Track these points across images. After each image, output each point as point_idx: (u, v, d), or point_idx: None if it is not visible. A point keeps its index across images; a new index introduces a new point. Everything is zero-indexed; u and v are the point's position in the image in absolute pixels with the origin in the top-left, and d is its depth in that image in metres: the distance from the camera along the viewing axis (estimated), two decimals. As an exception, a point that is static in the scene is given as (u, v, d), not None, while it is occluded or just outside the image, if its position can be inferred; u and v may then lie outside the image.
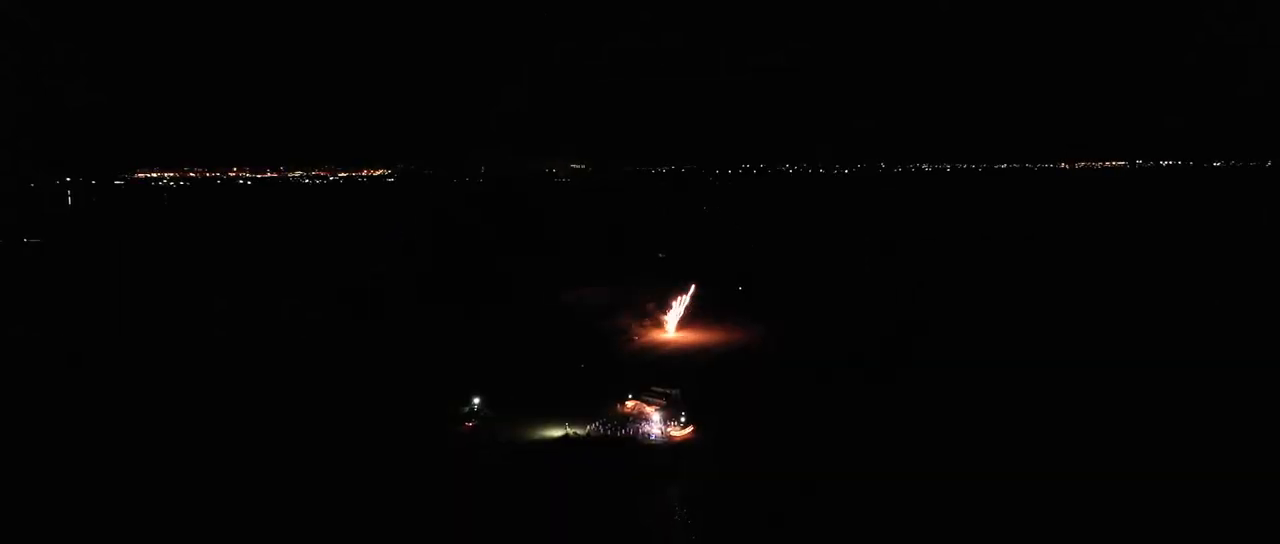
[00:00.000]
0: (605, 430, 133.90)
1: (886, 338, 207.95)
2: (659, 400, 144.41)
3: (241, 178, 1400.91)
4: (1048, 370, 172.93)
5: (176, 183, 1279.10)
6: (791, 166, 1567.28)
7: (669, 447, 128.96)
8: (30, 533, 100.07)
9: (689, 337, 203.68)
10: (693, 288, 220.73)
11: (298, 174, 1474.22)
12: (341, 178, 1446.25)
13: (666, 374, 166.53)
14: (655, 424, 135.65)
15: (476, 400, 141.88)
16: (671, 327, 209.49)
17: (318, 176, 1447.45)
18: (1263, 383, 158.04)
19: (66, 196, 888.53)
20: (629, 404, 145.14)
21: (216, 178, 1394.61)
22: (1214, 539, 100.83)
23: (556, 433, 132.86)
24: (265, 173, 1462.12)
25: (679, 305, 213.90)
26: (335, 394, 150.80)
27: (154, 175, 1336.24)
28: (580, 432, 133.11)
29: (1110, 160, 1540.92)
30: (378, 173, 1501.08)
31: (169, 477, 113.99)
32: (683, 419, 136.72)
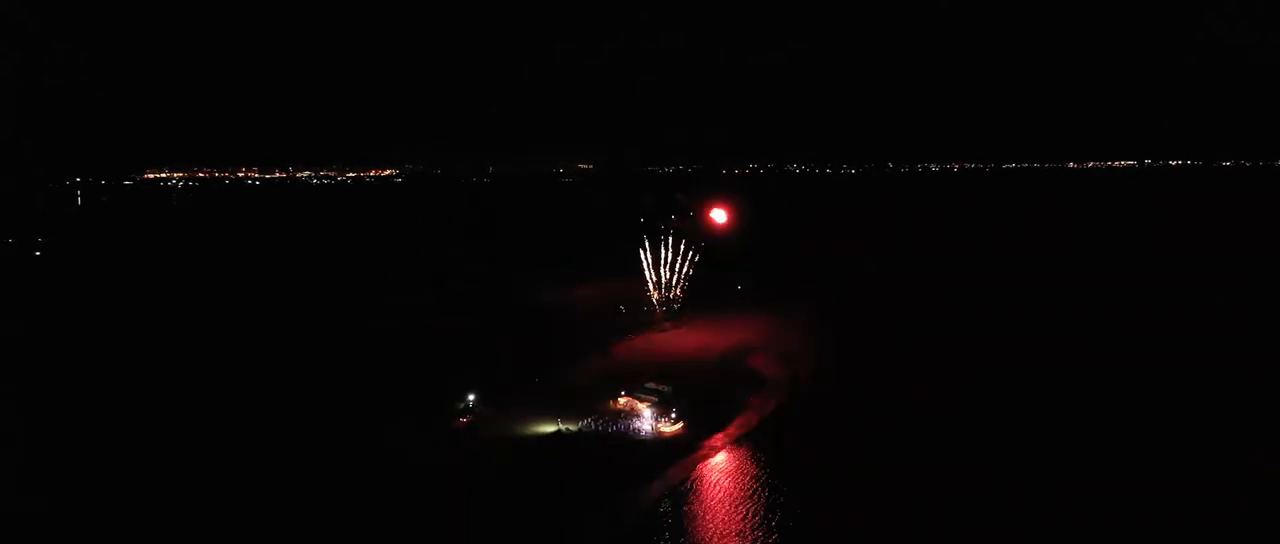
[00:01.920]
0: (597, 427, 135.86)
1: (885, 336, 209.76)
2: (651, 397, 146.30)
3: (250, 178, 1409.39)
4: (1047, 369, 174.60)
5: (185, 183, 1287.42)
6: (797, 166, 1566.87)
7: (659, 442, 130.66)
8: (33, 531, 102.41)
9: (685, 334, 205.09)
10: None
11: (306, 174, 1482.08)
12: (349, 178, 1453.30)
13: (660, 371, 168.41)
14: (646, 420, 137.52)
15: (471, 397, 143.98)
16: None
17: (325, 177, 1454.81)
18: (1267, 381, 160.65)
19: (76, 197, 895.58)
20: (621, 401, 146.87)
21: (225, 178, 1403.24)
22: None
23: (549, 429, 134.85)
24: (274, 173, 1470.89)
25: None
26: (335, 390, 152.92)
27: (163, 176, 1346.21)
28: (572, 428, 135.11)
29: (1118, 160, 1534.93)
30: (386, 173, 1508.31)
31: (172, 468, 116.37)
32: (674, 416, 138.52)
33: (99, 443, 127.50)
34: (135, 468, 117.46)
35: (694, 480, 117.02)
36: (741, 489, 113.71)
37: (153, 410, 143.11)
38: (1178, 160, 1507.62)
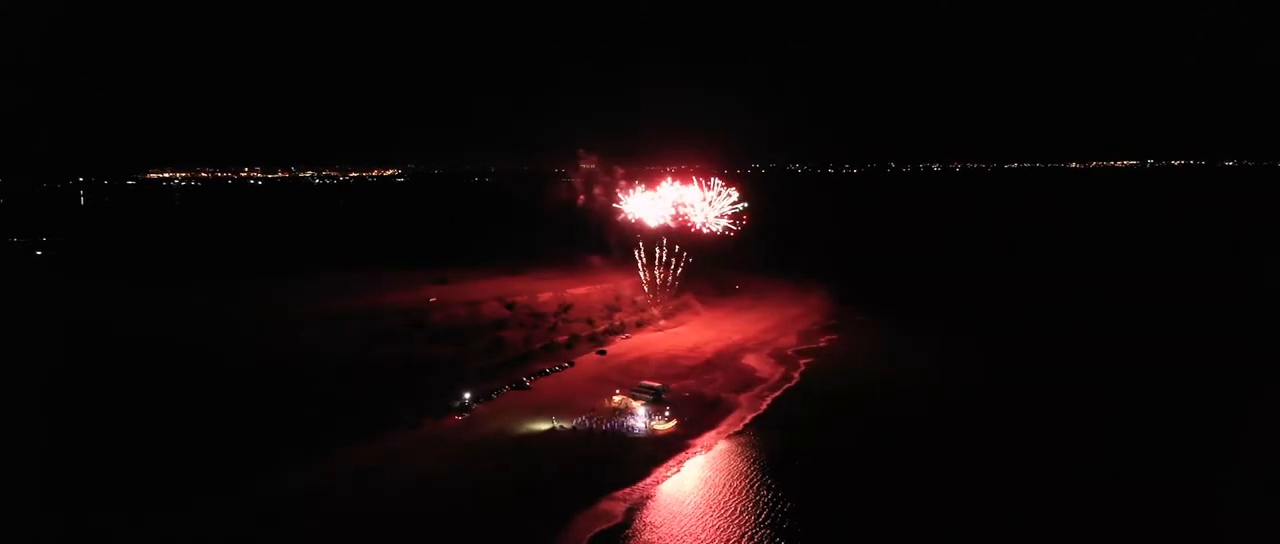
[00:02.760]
0: (591, 424, 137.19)
1: (882, 335, 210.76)
2: (645, 395, 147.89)
3: (252, 178, 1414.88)
4: (1049, 370, 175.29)
5: (188, 183, 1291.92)
6: (798, 166, 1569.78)
7: (652, 440, 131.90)
8: (35, 527, 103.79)
9: (680, 333, 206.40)
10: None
11: (308, 174, 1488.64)
12: (352, 177, 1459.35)
13: (655, 369, 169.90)
14: (640, 418, 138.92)
15: (467, 395, 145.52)
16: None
17: (328, 176, 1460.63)
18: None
19: (79, 197, 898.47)
20: (616, 399, 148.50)
21: (228, 178, 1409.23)
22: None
23: (544, 426, 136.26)
24: (276, 173, 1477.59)
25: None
26: (333, 388, 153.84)
27: (166, 176, 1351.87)
28: (567, 424, 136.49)
29: (1120, 160, 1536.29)
30: (388, 173, 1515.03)
31: (171, 466, 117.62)
32: (667, 413, 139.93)
33: (97, 441, 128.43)
34: (134, 466, 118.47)
35: (685, 477, 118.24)
36: (731, 486, 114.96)
37: (153, 409, 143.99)
38: (1181, 160, 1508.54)
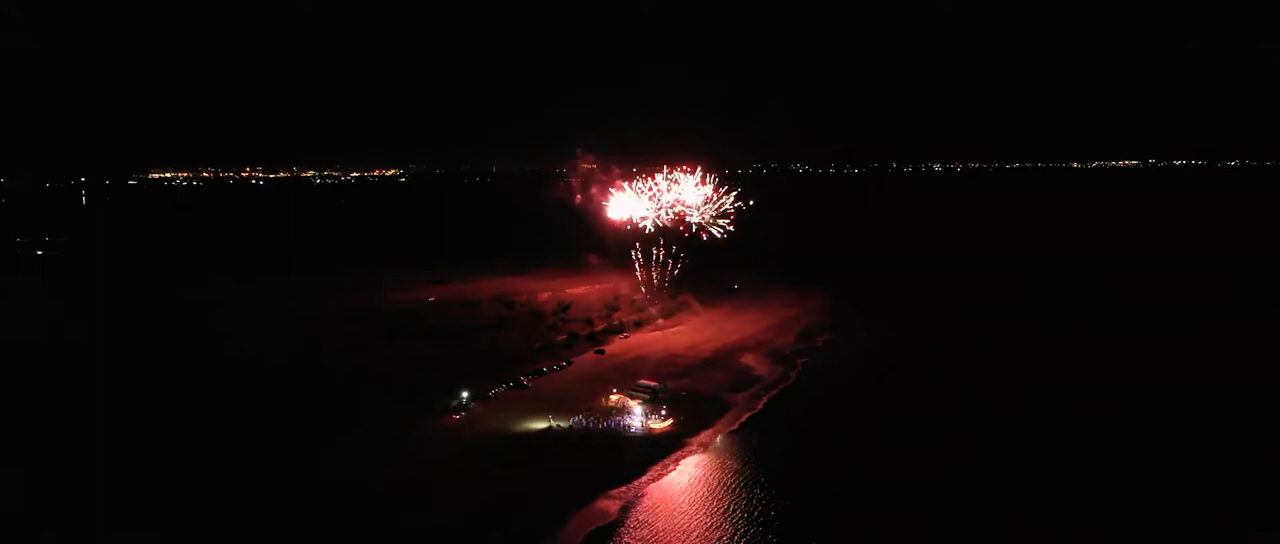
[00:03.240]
0: (588, 423, 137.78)
1: (880, 336, 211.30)
2: (642, 394, 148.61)
3: (254, 178, 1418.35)
4: (1049, 370, 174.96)
5: (190, 182, 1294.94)
6: (799, 166, 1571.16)
7: (649, 439, 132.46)
8: (35, 525, 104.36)
9: (678, 332, 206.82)
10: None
11: (310, 174, 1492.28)
12: (353, 177, 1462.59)
13: (652, 368, 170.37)
14: (637, 417, 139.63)
15: (465, 393, 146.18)
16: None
17: (330, 176, 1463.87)
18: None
19: (81, 196, 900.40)
20: (613, 398, 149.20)
21: (229, 178, 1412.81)
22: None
23: (541, 425, 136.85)
24: (278, 173, 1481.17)
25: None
26: (329, 387, 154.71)
27: (167, 175, 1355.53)
28: (563, 424, 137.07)
29: (1122, 159, 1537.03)
30: (389, 173, 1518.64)
31: (167, 459, 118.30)
32: (664, 412, 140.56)
33: (93, 442, 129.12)
34: (131, 467, 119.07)
35: (681, 475, 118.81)
36: (726, 484, 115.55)
37: (149, 409, 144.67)
38: (1181, 160, 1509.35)
